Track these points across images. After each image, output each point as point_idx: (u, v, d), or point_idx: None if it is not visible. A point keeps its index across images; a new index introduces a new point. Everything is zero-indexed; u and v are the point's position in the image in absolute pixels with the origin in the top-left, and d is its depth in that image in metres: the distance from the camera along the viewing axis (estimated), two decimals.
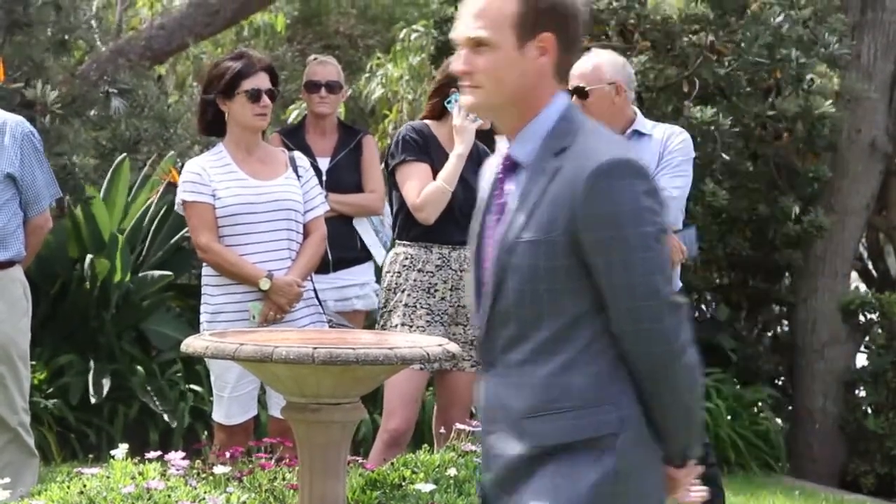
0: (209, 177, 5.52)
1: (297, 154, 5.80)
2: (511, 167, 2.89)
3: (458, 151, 5.80)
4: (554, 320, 2.78)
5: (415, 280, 5.82)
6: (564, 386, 2.77)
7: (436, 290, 5.81)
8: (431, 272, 5.82)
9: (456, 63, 2.86)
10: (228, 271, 5.48)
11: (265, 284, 5.44)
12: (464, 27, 2.84)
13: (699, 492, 2.95)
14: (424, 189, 5.79)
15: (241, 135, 5.59)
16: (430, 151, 5.88)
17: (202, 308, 5.60)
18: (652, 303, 2.74)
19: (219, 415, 5.57)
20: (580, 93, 5.78)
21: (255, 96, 5.51)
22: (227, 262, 5.48)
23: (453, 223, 5.80)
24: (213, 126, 5.66)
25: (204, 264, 5.60)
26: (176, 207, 5.67)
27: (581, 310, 2.77)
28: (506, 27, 2.80)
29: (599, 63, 5.80)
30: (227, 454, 4.96)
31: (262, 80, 5.53)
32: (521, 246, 2.79)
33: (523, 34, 2.80)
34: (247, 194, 5.51)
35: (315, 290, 5.69)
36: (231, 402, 5.52)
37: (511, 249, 2.81)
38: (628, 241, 2.72)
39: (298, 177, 5.64)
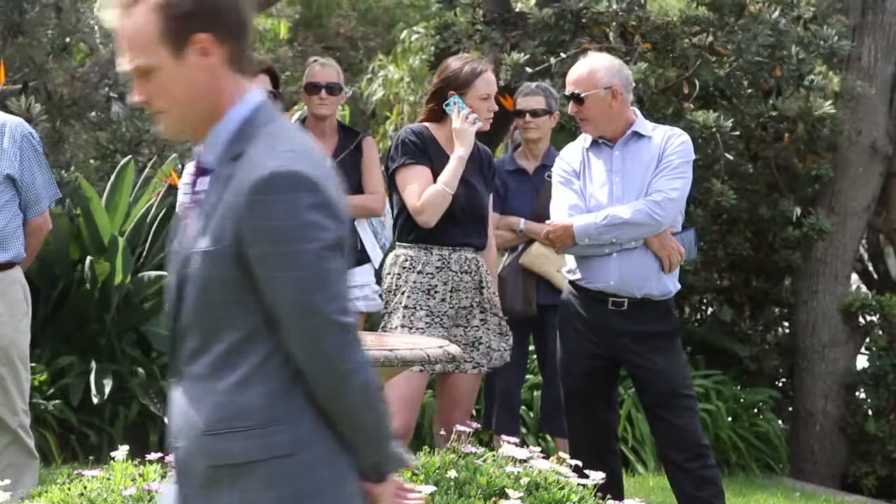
0: None
1: None
2: (202, 172, 2.79)
3: (459, 154, 5.78)
4: (230, 333, 2.68)
5: (414, 282, 5.80)
6: (240, 404, 2.67)
7: (436, 292, 5.80)
8: (431, 274, 5.81)
9: (132, 96, 2.78)
10: None
11: None
12: (123, 61, 2.74)
13: (415, 500, 2.84)
14: (425, 192, 5.76)
15: None
16: (429, 154, 5.85)
17: None
18: (312, 322, 2.63)
19: None
20: (576, 99, 5.75)
21: None
22: None
23: (453, 224, 5.80)
24: None
25: None
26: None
27: (255, 324, 2.67)
28: (155, 46, 2.69)
29: (594, 68, 5.75)
30: None
31: (262, 83, 5.53)
32: (196, 255, 2.68)
33: (175, 45, 2.69)
34: None
35: None
36: None
37: (188, 258, 2.71)
38: (287, 258, 2.61)
39: None
